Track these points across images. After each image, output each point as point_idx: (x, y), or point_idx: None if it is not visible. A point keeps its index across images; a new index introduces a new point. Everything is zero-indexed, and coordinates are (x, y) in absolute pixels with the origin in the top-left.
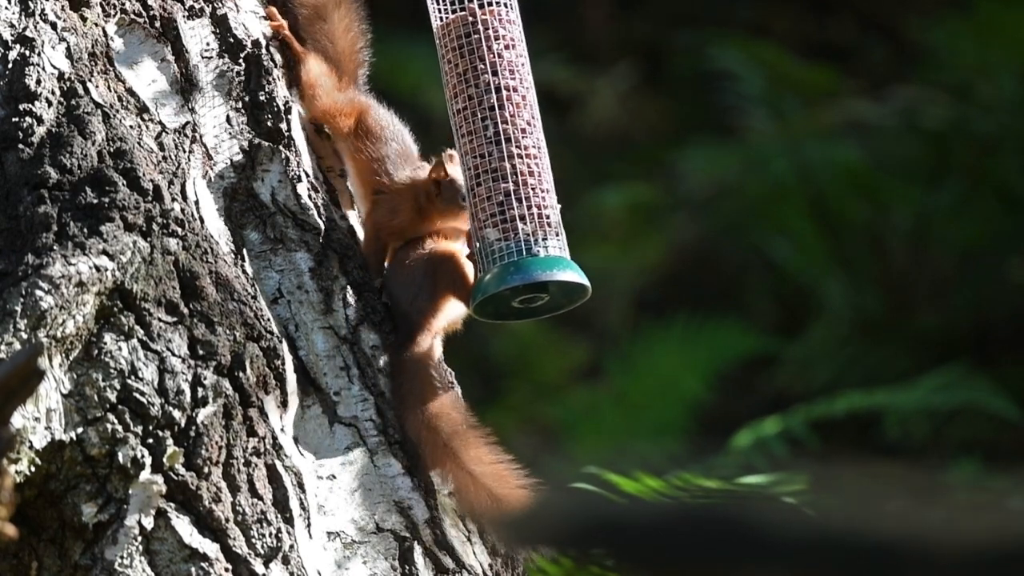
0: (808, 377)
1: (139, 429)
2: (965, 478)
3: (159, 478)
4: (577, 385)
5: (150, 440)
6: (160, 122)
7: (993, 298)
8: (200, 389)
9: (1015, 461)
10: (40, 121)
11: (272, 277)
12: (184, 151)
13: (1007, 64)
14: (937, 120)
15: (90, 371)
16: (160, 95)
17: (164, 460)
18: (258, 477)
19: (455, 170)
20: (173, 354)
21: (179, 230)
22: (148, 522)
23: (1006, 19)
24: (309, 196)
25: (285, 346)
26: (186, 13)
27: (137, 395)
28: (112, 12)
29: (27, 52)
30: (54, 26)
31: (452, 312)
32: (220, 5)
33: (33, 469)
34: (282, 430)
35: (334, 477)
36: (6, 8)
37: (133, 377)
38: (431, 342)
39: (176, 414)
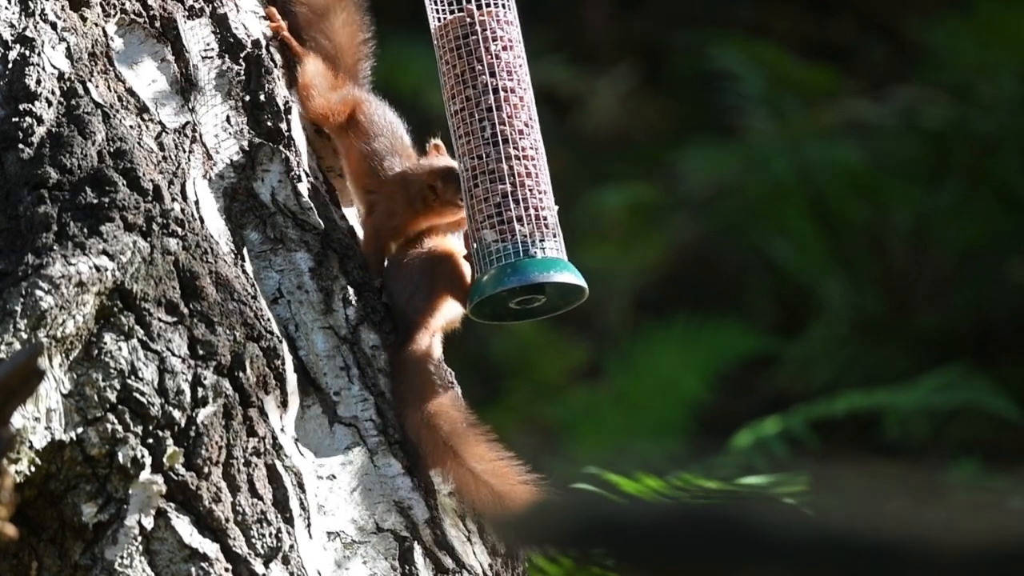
0: (808, 377)
1: (139, 429)
2: (965, 478)
3: (159, 478)
4: (577, 385)
5: (150, 440)
6: (160, 122)
7: (993, 298)
8: (200, 389)
9: (1015, 461)
10: (40, 121)
11: (272, 277)
12: (184, 151)
13: (1007, 64)
14: (937, 120)
15: (90, 371)
16: (160, 95)
17: (164, 460)
18: (258, 477)
19: (448, 162)
20: (173, 354)
21: (179, 230)
22: (148, 522)
23: (1006, 19)
24: (309, 196)
25: (285, 346)
26: (186, 13)
27: (137, 395)
28: (112, 12)
29: (27, 52)
30: (54, 26)
31: (450, 312)
32: (220, 5)
33: (33, 469)
34: (282, 430)
35: (334, 477)
36: (6, 8)
37: (133, 377)
38: (429, 341)
39: (176, 414)
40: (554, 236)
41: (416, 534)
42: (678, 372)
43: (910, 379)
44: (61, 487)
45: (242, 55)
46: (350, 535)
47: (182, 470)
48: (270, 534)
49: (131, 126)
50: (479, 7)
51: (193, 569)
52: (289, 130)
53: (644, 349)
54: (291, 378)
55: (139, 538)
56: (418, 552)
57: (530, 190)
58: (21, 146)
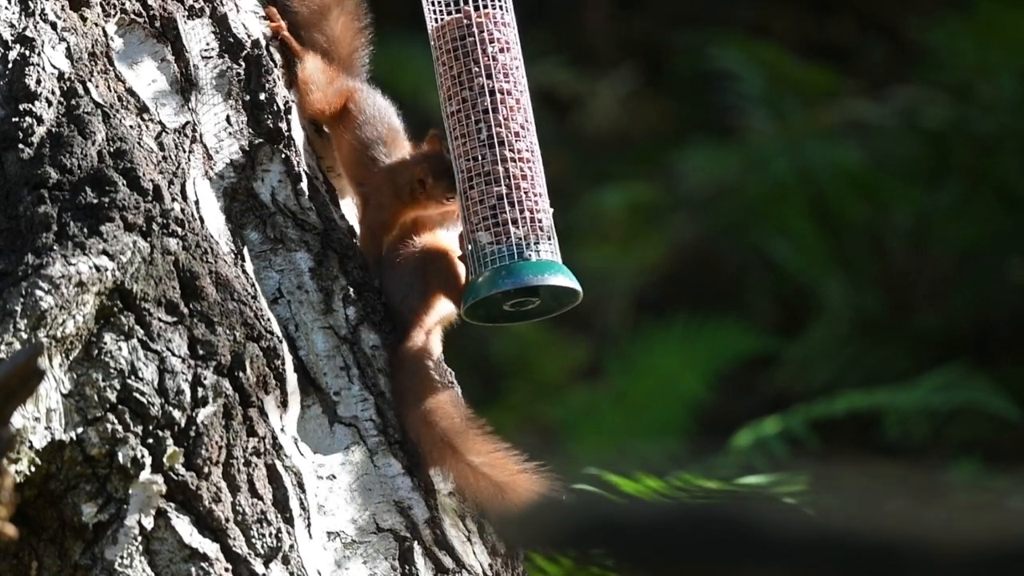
0: (808, 377)
1: (139, 429)
2: (965, 478)
3: (159, 478)
4: (577, 385)
5: (150, 440)
6: (160, 122)
7: (993, 298)
8: (200, 389)
9: (1015, 461)
10: (40, 121)
11: (272, 277)
12: (184, 151)
13: (1007, 64)
14: (937, 120)
15: (90, 371)
16: (160, 95)
17: (164, 460)
18: (258, 477)
19: (439, 154)
20: (173, 354)
21: (179, 230)
22: (148, 522)
23: (1006, 19)
24: (309, 196)
25: (285, 346)
26: (186, 13)
27: (137, 395)
28: (112, 12)
29: (27, 52)
30: (54, 26)
31: (444, 310)
32: (220, 5)
33: (33, 469)
34: (282, 430)
35: (334, 477)
36: (6, 8)
37: (133, 377)
38: (425, 339)
39: (176, 414)
40: (549, 239)
41: (416, 534)
42: (678, 372)
43: (910, 379)
44: (61, 487)
45: (242, 55)
46: (350, 535)
47: (182, 470)
48: (270, 534)
49: (131, 126)
50: (476, 8)
51: (193, 569)
52: (289, 130)
53: (644, 349)
54: (291, 378)
55: (139, 538)
56: (418, 552)
57: (525, 193)
58: (21, 146)
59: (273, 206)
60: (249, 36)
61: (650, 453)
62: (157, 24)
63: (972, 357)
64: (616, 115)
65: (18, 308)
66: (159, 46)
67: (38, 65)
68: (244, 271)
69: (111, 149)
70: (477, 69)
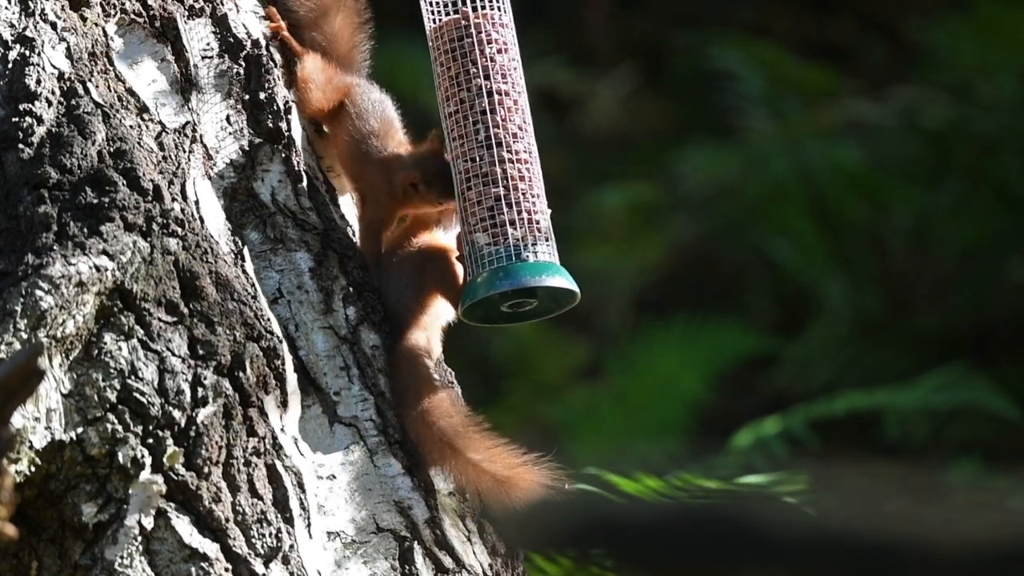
0: (808, 377)
1: (139, 429)
2: (965, 478)
3: (159, 478)
4: (577, 385)
5: (150, 440)
6: (160, 122)
7: (993, 298)
8: (200, 389)
9: (1015, 461)
10: (40, 121)
11: (272, 277)
12: (184, 151)
13: (1007, 64)
14: (937, 120)
15: (90, 371)
16: (160, 95)
17: (164, 460)
18: (258, 477)
19: (436, 157)
20: (173, 354)
21: (179, 230)
22: (148, 522)
23: (1006, 19)
24: (309, 196)
25: (285, 346)
26: (186, 13)
27: (137, 395)
28: (112, 12)
29: (27, 52)
30: (54, 26)
31: (441, 309)
32: (220, 5)
33: (33, 469)
34: (282, 430)
35: (334, 477)
36: (6, 8)
37: (133, 377)
38: (424, 338)
39: (176, 414)
40: (546, 240)
41: (416, 534)
42: (678, 372)
43: (910, 379)
44: (61, 487)
45: (242, 55)
46: (350, 535)
47: (182, 470)
48: (270, 534)
49: (131, 126)
50: (474, 10)
51: (193, 569)
52: (289, 130)
53: (644, 349)
54: (291, 378)
55: (139, 538)
56: (418, 552)
57: (523, 194)
58: (21, 146)
59: (273, 206)
60: (249, 36)
61: (650, 453)
62: (157, 24)
63: (972, 357)
64: (616, 115)
65: (18, 308)
66: (159, 46)
67: (38, 65)
68: (244, 271)
69: (111, 149)
70: (475, 70)
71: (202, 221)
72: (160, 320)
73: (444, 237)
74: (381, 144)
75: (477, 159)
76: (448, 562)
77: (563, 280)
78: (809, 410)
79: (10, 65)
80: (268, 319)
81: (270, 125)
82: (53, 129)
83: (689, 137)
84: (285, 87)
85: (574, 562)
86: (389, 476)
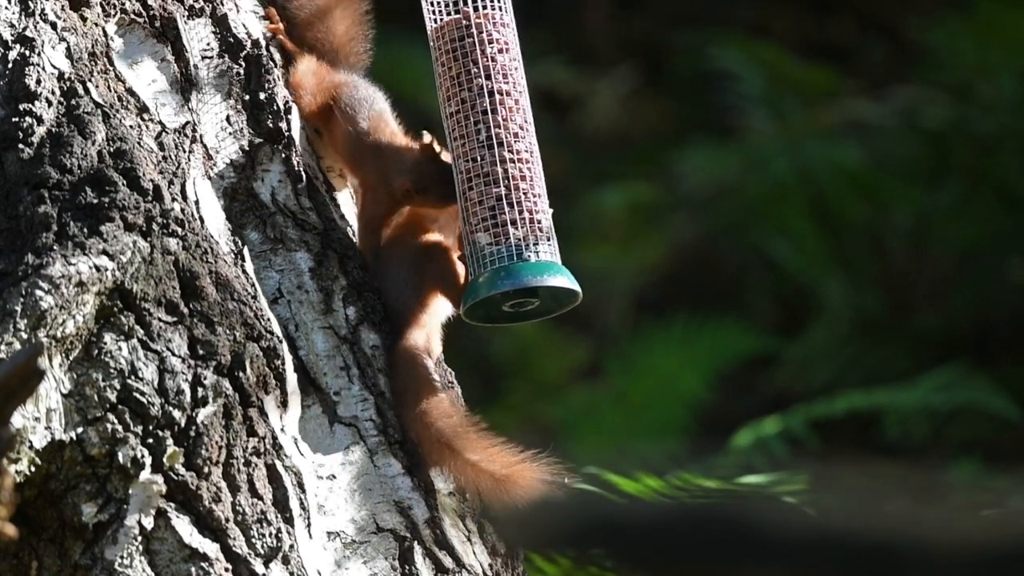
0: (808, 377)
1: (139, 429)
2: (965, 478)
3: (159, 478)
4: (577, 385)
5: (150, 440)
6: (160, 122)
7: (993, 298)
8: (200, 389)
9: (1015, 461)
10: (40, 121)
11: (272, 277)
12: (184, 151)
13: (1007, 64)
14: (937, 120)
15: (90, 371)
16: (160, 95)
17: (164, 460)
18: (258, 477)
19: (432, 160)
20: (173, 354)
21: (179, 230)
22: (148, 522)
23: (1006, 19)
24: (309, 196)
25: (285, 346)
26: (186, 13)
27: (137, 395)
28: (112, 12)
29: (27, 52)
30: (54, 26)
31: (441, 308)
32: (220, 5)
33: (33, 469)
34: (282, 430)
35: (334, 477)
36: (6, 8)
37: (133, 377)
38: (423, 338)
39: (176, 414)
40: (548, 240)
41: (416, 534)
42: (678, 372)
43: (910, 379)
44: (61, 487)
45: (242, 55)
46: (350, 535)
47: (182, 470)
48: (270, 534)
49: (131, 126)
50: (475, 9)
51: (193, 569)
52: (289, 130)
53: (644, 349)
54: (291, 378)
55: (139, 538)
56: (418, 552)
57: (524, 194)
58: (21, 146)
59: (273, 206)
60: (249, 36)
61: (650, 453)
62: (157, 24)
63: (972, 357)
64: (616, 115)
65: (18, 308)
66: (159, 46)
67: (38, 65)
68: (244, 271)
69: (111, 149)
70: (476, 70)
71: (202, 221)
72: (160, 320)
73: (444, 236)
74: (373, 142)
75: (478, 159)
76: (448, 562)
77: (565, 280)
78: (809, 410)
79: (10, 65)
80: (268, 319)
81: (270, 125)
82: (53, 129)
83: (689, 137)
84: (285, 87)
85: (573, 562)
86: (389, 476)
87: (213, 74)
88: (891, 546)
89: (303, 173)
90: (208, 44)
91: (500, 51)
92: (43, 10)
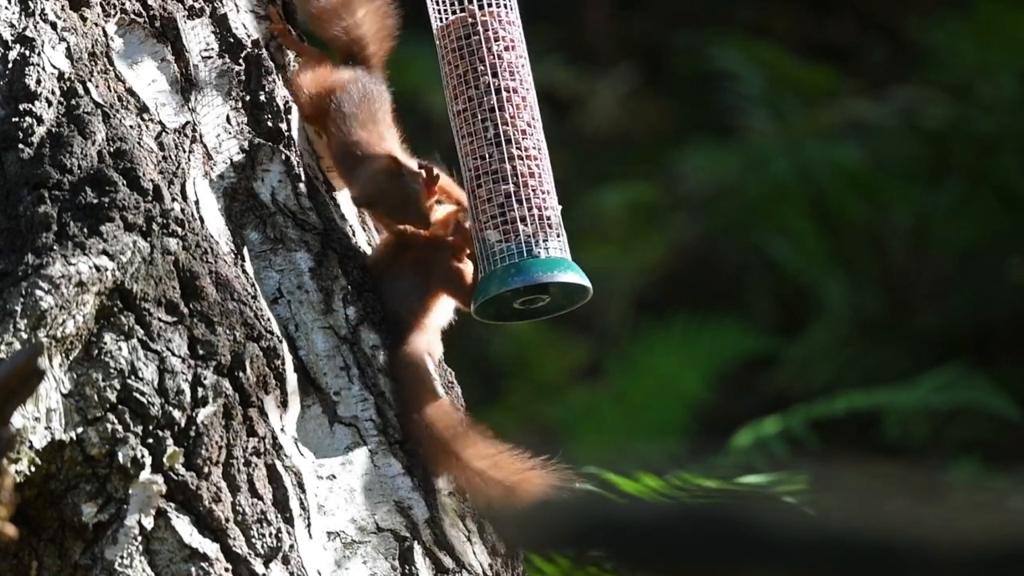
0: (808, 377)
1: (139, 429)
2: (965, 478)
3: (159, 478)
4: (577, 385)
5: (150, 440)
6: (160, 122)
7: (993, 298)
8: (200, 389)
9: (1015, 461)
10: (40, 121)
11: (272, 277)
12: (184, 151)
13: (1007, 64)
14: (937, 120)
15: (90, 371)
16: (160, 95)
17: (164, 460)
18: (258, 477)
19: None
20: (173, 354)
21: (179, 230)
22: (148, 522)
23: (1006, 19)
24: (309, 196)
25: (285, 346)
26: (186, 13)
27: (137, 395)
28: (112, 12)
29: (27, 52)
30: (54, 26)
31: (444, 309)
32: (220, 5)
33: (33, 469)
34: (282, 430)
35: (334, 477)
36: (6, 8)
37: (133, 377)
38: (425, 342)
39: (176, 414)
40: (558, 236)
41: (416, 534)
42: (678, 372)
43: (910, 379)
44: (61, 487)
45: (242, 55)
46: (350, 535)
47: (182, 470)
48: (270, 534)
49: (131, 126)
50: (481, 7)
51: (193, 569)
52: (289, 130)
53: (644, 349)
54: (291, 378)
55: (139, 538)
56: (418, 552)
57: (533, 190)
58: (21, 146)
59: (273, 206)
60: (249, 36)
61: (650, 453)
62: (157, 24)
63: (972, 357)
64: (616, 115)
65: (18, 308)
66: (159, 46)
67: (38, 65)
68: (244, 271)
69: (111, 149)
70: (483, 67)
71: (202, 221)
72: (160, 320)
73: (445, 237)
74: (353, 146)
75: (486, 156)
76: (448, 562)
77: (575, 276)
78: (809, 410)
79: (10, 65)
80: (268, 319)
81: (270, 125)
82: (53, 129)
83: (689, 137)
84: (285, 87)
85: (573, 562)
86: (389, 476)
87: (213, 74)
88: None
89: (303, 173)
90: (208, 44)
91: (506, 48)
92: (43, 10)
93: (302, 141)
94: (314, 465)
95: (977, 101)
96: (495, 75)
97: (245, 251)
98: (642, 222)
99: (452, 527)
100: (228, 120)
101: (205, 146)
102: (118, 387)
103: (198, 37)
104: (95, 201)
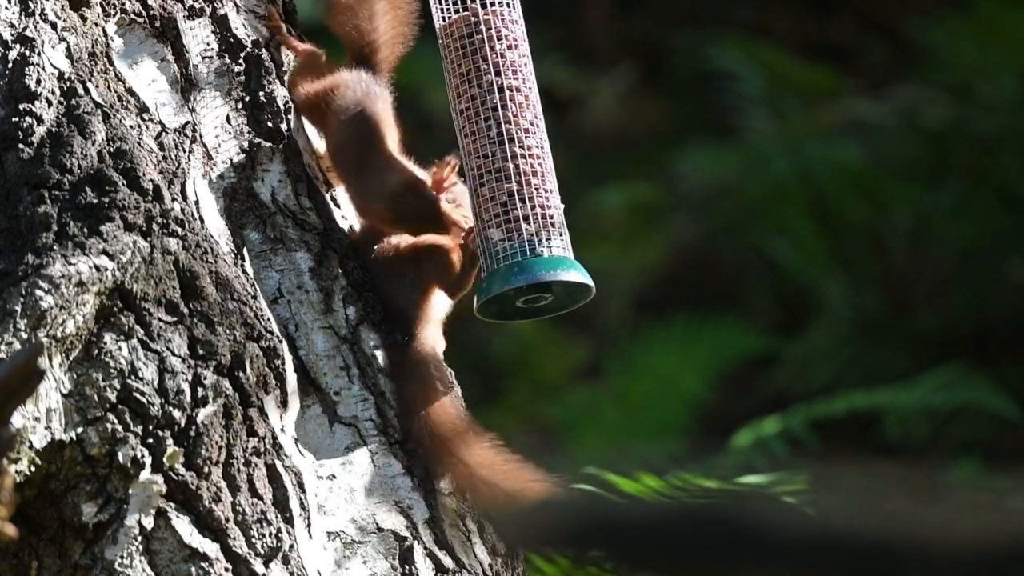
0: (808, 377)
1: (139, 429)
2: (965, 478)
3: (159, 478)
4: (577, 385)
5: (150, 440)
6: (160, 122)
7: (993, 298)
8: (200, 389)
9: (1015, 461)
10: (40, 121)
11: (272, 277)
12: (184, 151)
13: (1007, 64)
14: (937, 120)
15: (90, 371)
16: (160, 95)
17: (164, 460)
18: (258, 477)
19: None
20: (173, 354)
21: (179, 230)
22: (148, 522)
23: (1006, 19)
24: (309, 196)
25: (285, 346)
26: (186, 13)
27: (137, 395)
28: (112, 12)
29: (27, 52)
30: (54, 26)
31: (443, 301)
32: (220, 5)
33: (33, 469)
34: (282, 430)
35: (334, 477)
36: (6, 8)
37: (133, 377)
38: (433, 334)
39: (176, 414)
40: (560, 234)
41: (416, 534)
42: (678, 372)
43: (910, 379)
44: (61, 487)
45: (242, 55)
46: (350, 535)
47: (182, 470)
48: (270, 534)
49: (131, 126)
50: (484, 6)
51: (193, 569)
52: (289, 130)
53: (644, 349)
54: (291, 378)
55: (139, 538)
56: (418, 552)
57: (536, 189)
58: (21, 146)
59: (273, 206)
60: (249, 36)
61: (650, 453)
62: (157, 24)
63: (972, 357)
64: (616, 114)
65: (18, 308)
66: (159, 46)
67: (38, 65)
68: (244, 271)
69: (111, 149)
70: (486, 66)
71: (202, 221)
72: (160, 320)
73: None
74: (358, 153)
75: (489, 155)
76: (448, 562)
77: (578, 274)
78: (809, 410)
79: (10, 65)
80: (268, 319)
81: (270, 125)
82: (53, 129)
83: (689, 137)
84: (285, 87)
85: (573, 562)
86: (389, 476)
87: (213, 74)
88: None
89: (303, 173)
90: (208, 44)
91: (509, 47)
92: (43, 10)
93: (302, 141)
94: (314, 465)
95: (977, 101)
96: (498, 74)
97: (245, 251)
98: (642, 222)
99: (452, 527)
100: (228, 120)
101: (205, 146)
102: (118, 387)
103: (198, 37)
104: (95, 201)
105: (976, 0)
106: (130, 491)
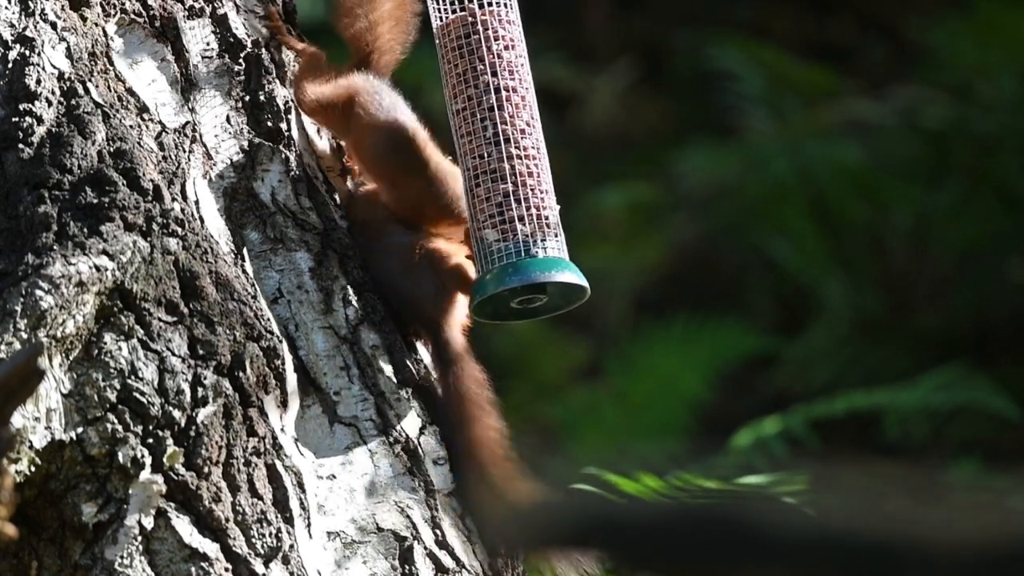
0: (808, 377)
1: (139, 429)
2: (965, 478)
3: (159, 478)
4: (577, 385)
5: (150, 440)
6: (160, 122)
7: (993, 298)
8: (200, 389)
9: (1015, 461)
10: (40, 121)
11: (272, 277)
12: (184, 151)
13: (1007, 64)
14: (937, 120)
15: (90, 371)
16: (160, 95)
17: (164, 460)
18: (258, 477)
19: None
20: (173, 354)
21: (179, 230)
22: (148, 522)
23: (1006, 19)
24: (309, 196)
25: (285, 346)
26: (186, 13)
27: (137, 395)
28: (112, 12)
29: (27, 52)
30: (54, 26)
31: (462, 305)
32: (220, 5)
33: (33, 469)
34: (282, 430)
35: (334, 477)
36: (6, 8)
37: (133, 377)
38: (462, 340)
39: (176, 414)
40: (556, 236)
41: (416, 534)
42: (678, 372)
43: (910, 379)
44: (61, 487)
45: (242, 55)
46: (350, 535)
47: (182, 470)
48: (270, 534)
49: (131, 126)
50: (481, 6)
51: (193, 569)
52: (289, 130)
53: (644, 349)
54: (291, 378)
55: (139, 538)
56: (418, 552)
57: (532, 189)
58: (21, 146)
59: (273, 206)
60: (249, 36)
61: (650, 453)
62: (157, 24)
63: (972, 357)
64: (615, 114)
65: (18, 308)
66: (159, 46)
67: (38, 65)
68: (244, 271)
69: (111, 149)
70: (482, 67)
71: (202, 221)
72: (160, 320)
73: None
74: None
75: (485, 155)
76: (448, 562)
77: (573, 276)
78: (809, 410)
79: (10, 65)
80: (268, 319)
81: (270, 125)
82: (53, 129)
83: (689, 137)
84: (285, 87)
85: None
86: (389, 476)
87: (213, 74)
88: (891, 546)
89: (303, 173)
90: (208, 44)
91: (506, 48)
92: (43, 10)
93: (302, 141)
94: (314, 465)
95: (977, 101)
96: (494, 74)
97: (245, 251)
98: (642, 222)
99: (452, 527)
100: (228, 120)
101: (205, 146)
102: (118, 387)
103: (198, 37)
104: (95, 201)
105: (976, 0)
106: (130, 491)
